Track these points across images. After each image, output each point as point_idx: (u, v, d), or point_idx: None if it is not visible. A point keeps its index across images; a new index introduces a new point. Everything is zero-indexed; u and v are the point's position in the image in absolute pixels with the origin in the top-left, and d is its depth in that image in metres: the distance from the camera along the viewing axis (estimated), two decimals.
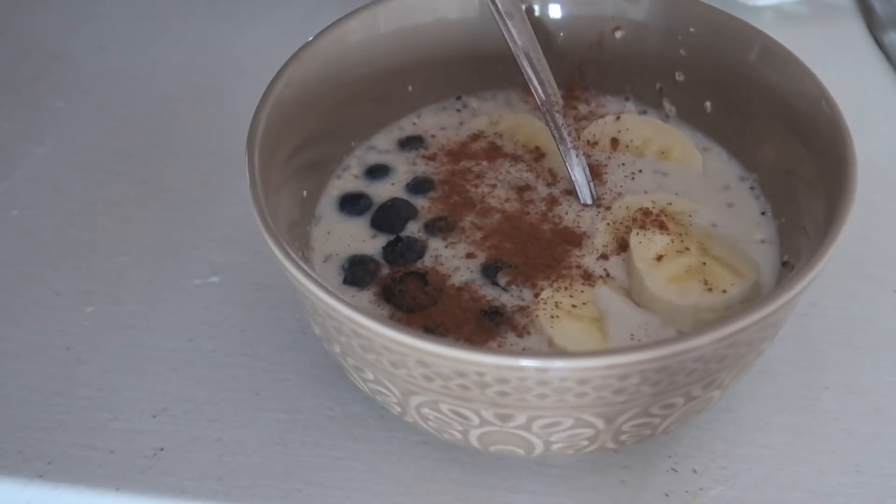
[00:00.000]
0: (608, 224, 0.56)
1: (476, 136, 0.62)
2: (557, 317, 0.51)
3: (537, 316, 0.51)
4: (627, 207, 0.57)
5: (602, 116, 0.63)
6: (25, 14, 0.88)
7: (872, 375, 0.57)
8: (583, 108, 0.64)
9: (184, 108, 0.77)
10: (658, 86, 0.63)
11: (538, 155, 0.61)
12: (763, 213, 0.57)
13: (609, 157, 0.61)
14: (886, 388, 0.57)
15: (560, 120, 0.58)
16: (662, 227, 0.55)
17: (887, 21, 0.82)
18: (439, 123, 0.64)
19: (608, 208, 0.57)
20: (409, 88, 0.64)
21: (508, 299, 0.53)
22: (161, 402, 0.56)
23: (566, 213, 0.57)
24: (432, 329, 0.51)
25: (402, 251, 0.55)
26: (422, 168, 0.61)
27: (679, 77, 0.62)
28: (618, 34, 0.63)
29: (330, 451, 0.54)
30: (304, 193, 0.57)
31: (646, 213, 0.56)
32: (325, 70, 0.58)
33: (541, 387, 0.42)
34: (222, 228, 0.66)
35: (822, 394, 0.56)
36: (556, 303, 0.52)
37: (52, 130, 0.75)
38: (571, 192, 0.58)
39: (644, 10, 0.62)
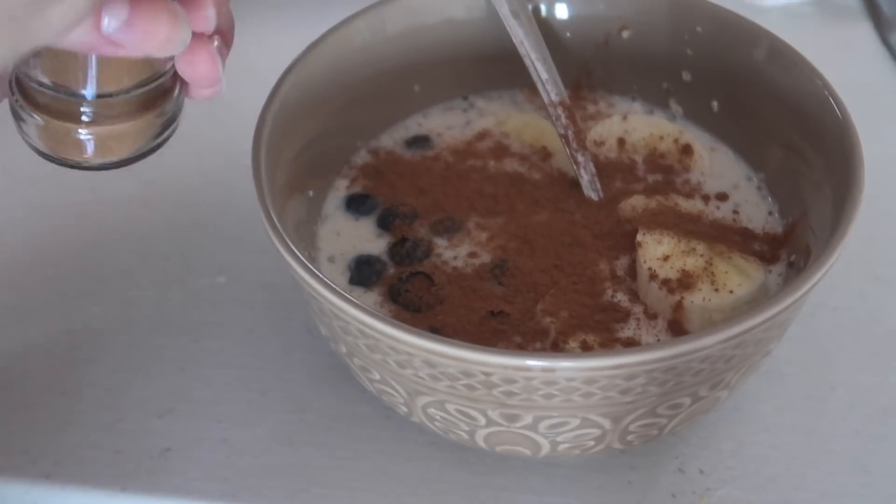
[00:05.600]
0: (615, 224, 0.56)
1: (482, 136, 0.62)
2: (564, 317, 0.51)
3: (544, 316, 0.51)
4: (634, 207, 0.56)
5: (609, 116, 0.63)
6: None
7: (880, 376, 0.57)
8: (590, 108, 0.64)
9: (190, 107, 0.77)
10: (665, 86, 0.63)
11: (545, 155, 0.61)
12: (770, 213, 0.57)
13: (616, 158, 0.61)
14: (894, 388, 0.57)
15: (567, 120, 0.58)
16: (669, 227, 0.55)
17: (894, 21, 0.82)
18: (446, 123, 0.64)
19: (615, 208, 0.57)
20: (416, 88, 0.64)
21: (514, 299, 0.52)
22: (167, 402, 0.56)
23: (573, 214, 0.57)
24: (438, 329, 0.51)
25: (408, 251, 0.55)
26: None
27: (686, 77, 0.62)
28: (624, 34, 0.63)
29: (336, 452, 0.54)
30: (311, 193, 0.57)
31: (653, 213, 0.56)
32: (332, 70, 0.58)
33: (547, 387, 0.42)
34: (229, 228, 0.66)
35: (829, 394, 0.56)
36: (562, 303, 0.52)
37: None
38: (578, 191, 0.58)
39: (651, 9, 0.62)
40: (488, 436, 0.47)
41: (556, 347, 0.50)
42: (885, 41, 0.82)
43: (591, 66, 0.65)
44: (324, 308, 0.46)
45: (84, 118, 0.41)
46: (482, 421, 0.46)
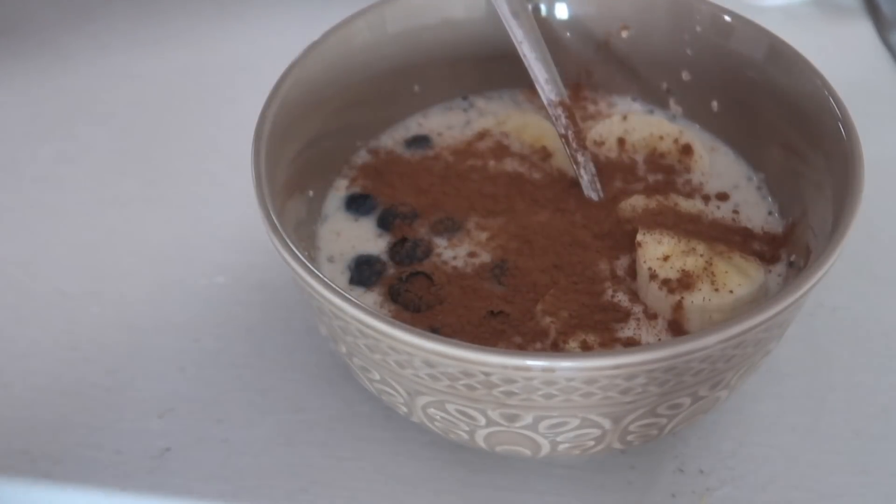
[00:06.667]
0: (615, 224, 0.56)
1: (482, 136, 0.62)
2: (564, 317, 0.51)
3: (544, 316, 0.51)
4: (634, 207, 0.56)
5: (609, 116, 0.63)
6: (31, 13, 0.88)
7: (879, 376, 0.57)
8: (590, 108, 0.64)
9: (190, 107, 0.77)
10: (665, 85, 0.63)
11: (545, 155, 0.61)
12: (770, 213, 0.57)
13: (616, 157, 0.61)
14: (894, 389, 0.57)
15: (567, 120, 0.58)
16: (669, 227, 0.55)
17: (894, 21, 0.82)
18: (446, 123, 0.64)
19: (615, 208, 0.57)
20: (416, 88, 0.64)
21: (514, 299, 0.52)
22: (167, 402, 0.56)
23: (573, 214, 0.57)
24: (438, 329, 0.51)
25: (408, 251, 0.55)
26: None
27: (686, 77, 0.62)
28: (624, 34, 0.63)
29: (336, 452, 0.54)
30: (311, 193, 0.57)
31: (653, 213, 0.56)
32: (332, 70, 0.58)
33: (547, 387, 0.42)
34: (229, 228, 0.66)
35: (828, 394, 0.56)
36: (562, 303, 0.52)
37: (58, 130, 0.75)
38: (578, 191, 0.58)
39: (651, 9, 0.62)
40: (488, 436, 0.47)
41: (556, 347, 0.50)
42: (885, 41, 0.82)
43: (591, 66, 0.65)
44: (324, 308, 0.46)
45: None
46: (482, 421, 0.46)
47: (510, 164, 0.60)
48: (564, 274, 0.53)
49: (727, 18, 0.59)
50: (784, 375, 0.57)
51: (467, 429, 0.47)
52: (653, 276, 0.52)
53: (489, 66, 0.65)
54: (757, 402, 0.56)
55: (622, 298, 0.53)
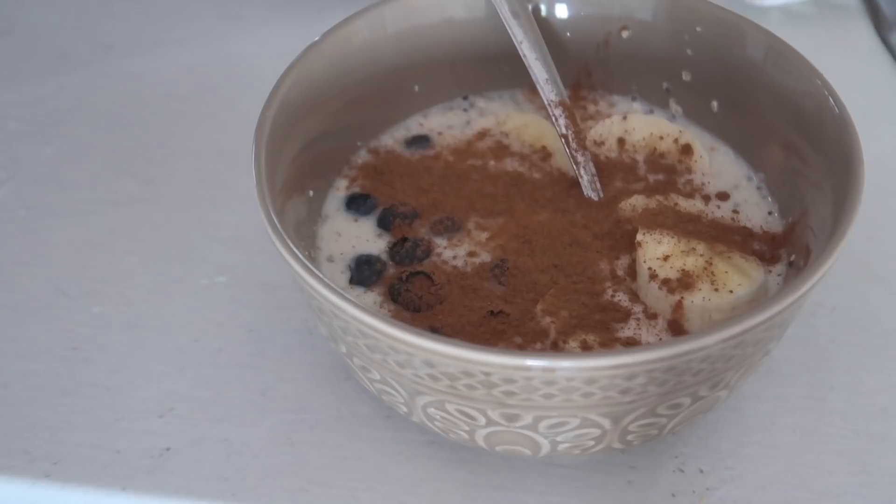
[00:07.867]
0: (615, 224, 0.56)
1: (482, 136, 0.62)
2: (564, 316, 0.51)
3: (544, 316, 0.51)
4: (634, 207, 0.56)
5: (609, 116, 0.63)
6: (32, 13, 0.88)
7: (879, 375, 0.57)
8: (590, 108, 0.64)
9: (190, 107, 0.77)
10: (665, 85, 0.63)
11: (545, 154, 0.61)
12: (770, 213, 0.57)
13: (616, 157, 0.61)
14: (894, 388, 0.57)
15: (567, 120, 0.58)
16: (669, 227, 0.55)
17: (894, 21, 0.82)
18: (446, 123, 0.64)
19: (615, 208, 0.57)
20: (416, 88, 0.64)
21: (514, 299, 0.52)
22: (168, 401, 0.56)
23: (573, 214, 0.57)
24: (438, 329, 0.51)
25: (408, 251, 0.55)
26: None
27: (686, 77, 0.62)
28: (624, 34, 0.63)
29: (336, 451, 0.54)
30: (311, 193, 0.57)
31: (653, 213, 0.56)
32: (332, 70, 0.58)
33: (547, 387, 0.42)
34: (229, 228, 0.66)
35: (828, 394, 0.56)
36: (562, 303, 0.52)
37: (58, 130, 0.75)
38: (578, 191, 0.58)
39: (651, 9, 0.62)
40: (488, 436, 0.47)
41: (556, 347, 0.50)
42: (885, 41, 0.82)
43: (591, 66, 0.65)
44: (324, 308, 0.46)
45: None
46: (482, 421, 0.46)
47: (510, 164, 0.60)
48: (564, 274, 0.53)
49: (727, 18, 0.59)
50: (784, 375, 0.57)
51: (467, 429, 0.47)
52: (653, 276, 0.52)
53: (489, 66, 0.65)
54: (757, 402, 0.56)
55: (622, 298, 0.53)
